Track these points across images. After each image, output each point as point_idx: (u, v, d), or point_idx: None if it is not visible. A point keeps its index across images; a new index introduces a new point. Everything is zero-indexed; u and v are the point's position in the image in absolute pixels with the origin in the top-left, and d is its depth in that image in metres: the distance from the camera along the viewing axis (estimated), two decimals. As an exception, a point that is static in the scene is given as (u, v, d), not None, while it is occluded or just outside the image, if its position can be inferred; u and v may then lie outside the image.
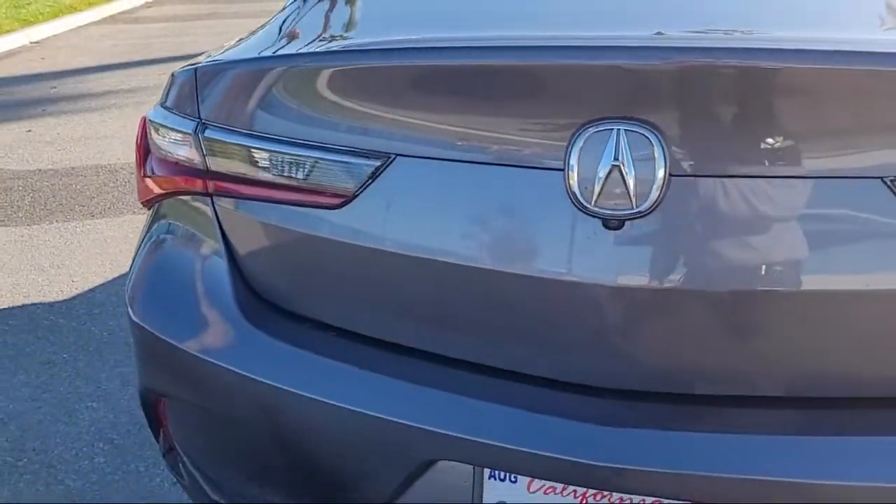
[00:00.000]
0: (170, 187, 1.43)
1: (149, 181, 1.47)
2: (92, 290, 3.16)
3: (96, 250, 3.51)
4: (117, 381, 2.56)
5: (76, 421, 2.39)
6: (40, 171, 4.56)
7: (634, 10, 1.31)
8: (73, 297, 3.13)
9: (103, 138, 5.10)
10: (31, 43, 8.60)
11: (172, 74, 1.45)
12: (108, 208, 3.96)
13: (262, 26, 1.53)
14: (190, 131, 1.35)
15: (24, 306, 3.08)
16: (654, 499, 1.12)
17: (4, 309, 3.07)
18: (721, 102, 1.05)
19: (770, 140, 1.04)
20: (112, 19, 10.28)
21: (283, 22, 1.47)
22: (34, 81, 6.77)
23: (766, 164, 1.04)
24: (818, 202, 1.03)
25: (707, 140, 1.05)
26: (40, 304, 3.09)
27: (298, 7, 1.52)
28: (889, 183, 1.01)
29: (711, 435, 1.09)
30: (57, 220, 3.87)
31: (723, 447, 1.08)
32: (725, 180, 1.05)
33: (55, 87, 6.47)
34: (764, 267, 1.05)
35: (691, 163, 1.05)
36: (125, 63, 7.22)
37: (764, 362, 1.09)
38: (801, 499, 1.04)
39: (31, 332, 2.88)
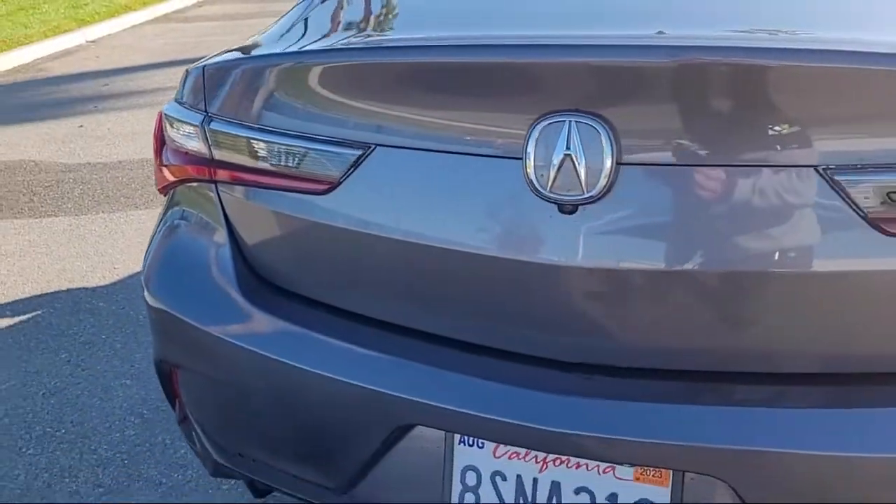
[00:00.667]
0: (181, 175, 1.56)
1: (164, 170, 1.61)
2: (131, 277, 3.34)
3: (137, 239, 3.69)
4: (150, 360, 2.72)
5: (111, 396, 2.56)
6: (90, 164, 4.78)
7: (592, 11, 1.39)
8: (114, 283, 3.31)
9: (150, 134, 5.29)
10: (87, 42, 8.93)
11: (186, 71, 1.58)
12: (151, 200, 4.15)
13: (268, 28, 1.65)
14: (197, 123, 1.48)
15: (69, 290, 3.28)
16: (607, 464, 1.22)
17: (51, 293, 3.26)
18: (664, 97, 1.13)
19: (711, 132, 1.12)
20: (165, 18, 10.59)
21: (285, 23, 1.59)
22: (88, 79, 7.04)
23: (707, 154, 1.12)
24: (755, 189, 1.11)
25: (652, 132, 1.14)
26: (84, 288, 3.28)
27: (300, 9, 1.63)
28: (822, 171, 1.08)
29: (657, 405, 1.18)
30: (103, 211, 4.07)
31: (667, 416, 1.16)
32: (670, 169, 1.13)
33: (107, 85, 6.73)
34: (702, 249, 1.13)
35: (638, 152, 1.13)
36: (175, 61, 7.45)
37: (704, 338, 1.17)
38: (739, 464, 1.12)
39: (74, 315, 3.07)
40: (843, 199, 1.07)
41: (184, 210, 1.60)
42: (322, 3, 1.62)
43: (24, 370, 2.72)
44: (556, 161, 1.14)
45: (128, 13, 10.20)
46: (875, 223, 1.07)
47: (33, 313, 3.11)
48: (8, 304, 3.20)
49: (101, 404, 2.52)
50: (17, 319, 3.07)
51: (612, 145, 1.12)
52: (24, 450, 2.34)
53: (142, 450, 2.31)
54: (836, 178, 1.07)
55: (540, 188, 1.16)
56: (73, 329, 2.97)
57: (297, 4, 1.68)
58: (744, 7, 1.35)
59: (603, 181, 1.13)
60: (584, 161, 1.13)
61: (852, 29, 1.24)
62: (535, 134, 1.15)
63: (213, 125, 1.45)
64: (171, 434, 2.36)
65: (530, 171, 1.16)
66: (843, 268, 1.10)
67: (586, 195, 1.14)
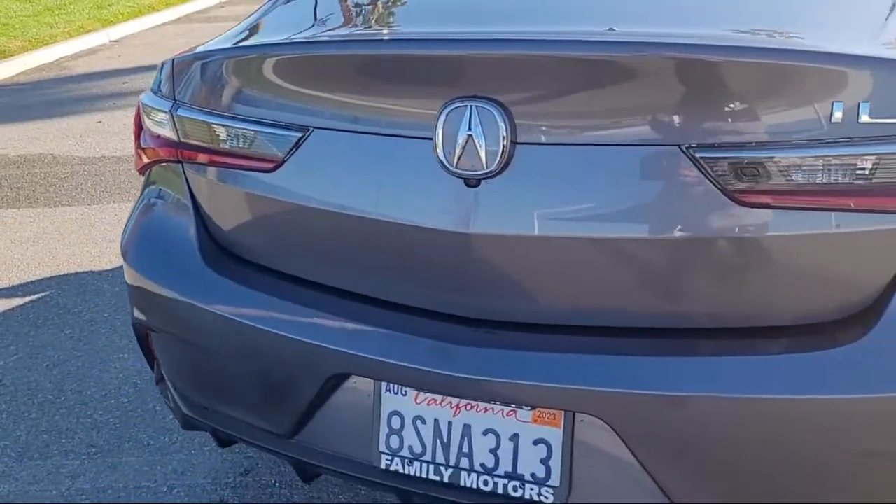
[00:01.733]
0: (155, 157, 1.75)
1: (141, 152, 1.80)
2: (135, 261, 3.54)
3: (144, 227, 3.90)
4: (147, 336, 2.92)
5: (108, 368, 2.76)
6: (104, 157, 5.01)
7: (502, 10, 1.56)
8: (120, 267, 3.49)
9: (163, 129, 5.53)
10: (110, 41, 9.21)
11: (161, 64, 1.77)
12: (159, 191, 4.36)
13: (234, 26, 1.83)
14: (167, 110, 1.66)
15: (77, 274, 3.49)
16: (509, 408, 1.38)
17: (60, 276, 3.48)
18: (553, 85, 1.30)
19: (591, 115, 1.28)
20: (187, 18, 10.86)
21: (246, 23, 1.78)
22: (109, 77, 7.30)
23: (590, 133, 1.29)
24: (629, 165, 1.27)
25: (543, 115, 1.30)
26: (91, 272, 3.50)
27: (260, 12, 1.82)
28: (685, 149, 1.24)
29: (549, 354, 1.34)
30: (114, 201, 4.29)
31: (556, 364, 1.33)
32: (558, 147, 1.30)
33: (126, 83, 6.98)
34: (586, 217, 1.29)
35: (530, 133, 1.30)
36: (192, 60, 7.69)
37: (587, 297, 1.33)
38: (614, 405, 1.28)
39: (80, 296, 3.28)
40: (703, 173, 1.23)
41: (157, 188, 1.79)
42: (277, 6, 1.81)
43: (31, 344, 2.93)
44: (460, 141, 1.31)
45: (151, 13, 10.48)
46: (730, 194, 1.23)
47: (42, 294, 3.32)
48: (20, 285, 3.42)
49: (99, 375, 2.72)
50: (27, 299, 3.29)
51: (507, 127, 1.29)
52: (26, 414, 2.55)
53: (133, 415, 2.51)
54: (697, 154, 1.23)
55: (448, 165, 1.33)
56: (79, 308, 3.18)
57: (261, 7, 1.87)
58: (628, 8, 1.50)
59: (499, 158, 1.30)
60: (483, 141, 1.30)
61: (717, 26, 1.40)
62: (443, 117, 1.32)
63: (180, 111, 1.64)
64: (161, 402, 2.54)
65: (439, 150, 1.33)
66: (704, 234, 1.26)
67: (486, 170, 1.31)
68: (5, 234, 3.95)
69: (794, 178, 1.22)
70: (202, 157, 1.62)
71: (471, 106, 1.30)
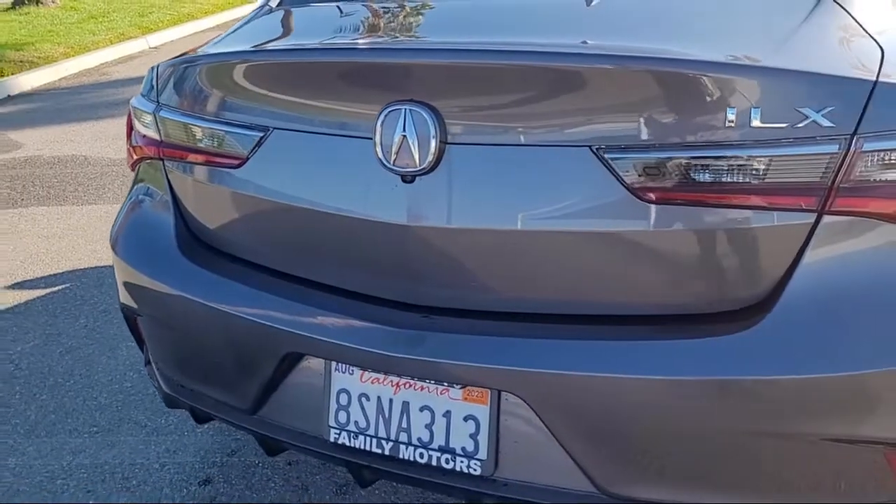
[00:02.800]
0: (142, 154, 1.91)
1: (131, 150, 1.96)
2: (151, 257, 3.73)
3: (162, 225, 4.10)
4: (155, 327, 3.10)
5: (116, 355, 2.94)
6: (132, 159, 5.24)
7: (439, 23, 1.69)
8: (136, 262, 3.70)
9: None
10: (149, 48, 9.54)
11: (150, 70, 1.93)
12: (180, 191, 4.56)
13: (214, 38, 1.99)
14: (151, 112, 1.82)
15: (96, 268, 3.70)
16: (442, 386, 1.50)
17: (81, 269, 3.69)
18: (479, 91, 1.42)
19: (512, 118, 1.40)
20: (225, 26, 11.15)
21: (224, 35, 1.93)
22: (144, 82, 7.58)
23: (511, 135, 1.40)
24: (546, 164, 1.38)
25: (470, 118, 1.43)
26: (109, 266, 3.69)
27: (242, 21, 1.97)
28: (594, 150, 1.35)
29: (475, 337, 1.46)
30: (137, 200, 4.50)
31: (481, 346, 1.45)
32: (484, 147, 1.42)
33: (160, 88, 7.24)
34: (508, 212, 1.41)
35: (459, 134, 1.42)
36: (224, 66, 7.94)
37: (508, 285, 1.45)
38: (528, 383, 1.39)
39: (97, 288, 3.48)
40: (611, 172, 1.34)
41: (144, 185, 1.95)
42: (253, 19, 1.97)
43: (47, 332, 3.13)
44: (396, 140, 1.44)
45: (190, 21, 10.81)
46: (635, 191, 1.34)
47: (63, 286, 3.53)
48: (43, 277, 3.63)
49: (106, 361, 2.90)
50: (47, 290, 3.49)
51: (437, 128, 1.42)
52: (38, 395, 2.73)
53: (134, 399, 2.67)
54: (605, 155, 1.34)
55: (386, 162, 1.46)
56: (95, 300, 3.37)
57: (242, 19, 2.03)
58: (554, 22, 1.62)
59: (431, 157, 1.42)
60: (416, 141, 1.43)
61: (629, 37, 1.50)
62: (382, 119, 1.45)
63: (162, 113, 1.79)
64: (161, 387, 2.71)
65: (378, 149, 1.46)
66: (611, 228, 1.37)
67: (419, 168, 1.43)
68: (34, 230, 4.18)
69: (693, 177, 1.32)
70: (180, 155, 1.77)
71: (405, 109, 1.43)
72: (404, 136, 1.43)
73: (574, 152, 1.37)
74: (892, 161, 1.30)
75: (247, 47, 1.71)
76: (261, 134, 1.61)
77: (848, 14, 1.51)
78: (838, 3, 1.53)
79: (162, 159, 1.82)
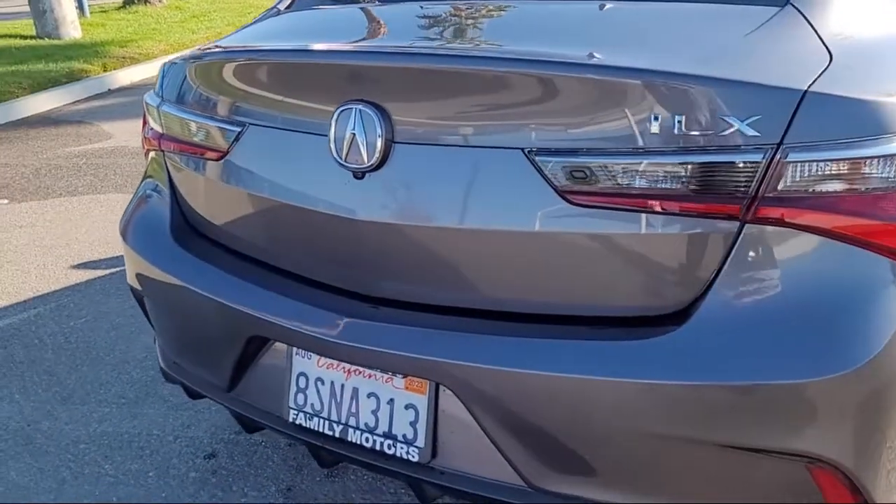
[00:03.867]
0: (149, 146, 2.05)
1: (144, 141, 2.11)
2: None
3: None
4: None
5: (137, 340, 3.12)
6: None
7: (401, 28, 1.75)
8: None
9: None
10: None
11: (161, 66, 2.07)
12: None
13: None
14: (156, 106, 1.96)
15: (154, 252, 3.92)
16: (387, 375, 1.57)
17: (112, 257, 3.91)
18: (423, 93, 1.48)
19: (454, 119, 1.46)
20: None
21: (225, 37, 2.05)
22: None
23: (453, 136, 1.46)
24: (483, 165, 1.43)
25: (415, 118, 1.49)
26: (166, 251, 3.91)
27: (244, 26, 2.09)
28: (526, 153, 1.39)
29: (416, 329, 1.52)
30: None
31: (420, 338, 1.51)
32: (428, 147, 1.48)
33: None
34: (446, 209, 1.47)
35: (405, 134, 1.49)
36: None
37: (445, 281, 1.50)
38: (454, 376, 1.44)
39: (151, 271, 3.70)
40: (540, 174, 1.38)
41: (150, 174, 2.10)
42: (255, 22, 2.08)
43: (98, 310, 3.36)
44: (347, 138, 1.51)
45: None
46: (562, 194, 1.37)
47: (120, 268, 3.76)
48: (104, 259, 3.88)
49: (146, 339, 3.09)
50: (107, 272, 3.74)
51: (383, 128, 1.48)
52: (79, 367, 2.94)
53: (156, 375, 2.85)
54: (535, 158, 1.38)
55: (339, 159, 1.53)
56: (127, 288, 3.58)
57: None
58: (497, 29, 1.66)
59: (377, 155, 1.49)
60: (364, 139, 1.50)
61: (564, 45, 1.52)
62: (336, 117, 1.53)
63: (163, 107, 1.93)
64: (189, 366, 2.87)
65: (332, 145, 1.54)
66: (540, 229, 1.40)
67: (367, 165, 1.51)
68: (107, 216, 4.46)
69: (618, 182, 1.34)
70: (176, 147, 1.90)
71: (355, 108, 1.51)
72: (354, 134, 1.50)
73: (508, 154, 1.41)
74: (819, 172, 1.29)
75: (231, 47, 1.82)
76: (239, 129, 1.72)
77: (807, 22, 1.49)
78: (799, 11, 1.51)
79: (163, 151, 1.96)
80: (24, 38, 9.79)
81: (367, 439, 1.61)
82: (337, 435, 1.64)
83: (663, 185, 1.33)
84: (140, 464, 2.41)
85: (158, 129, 1.97)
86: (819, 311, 1.30)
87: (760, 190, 1.30)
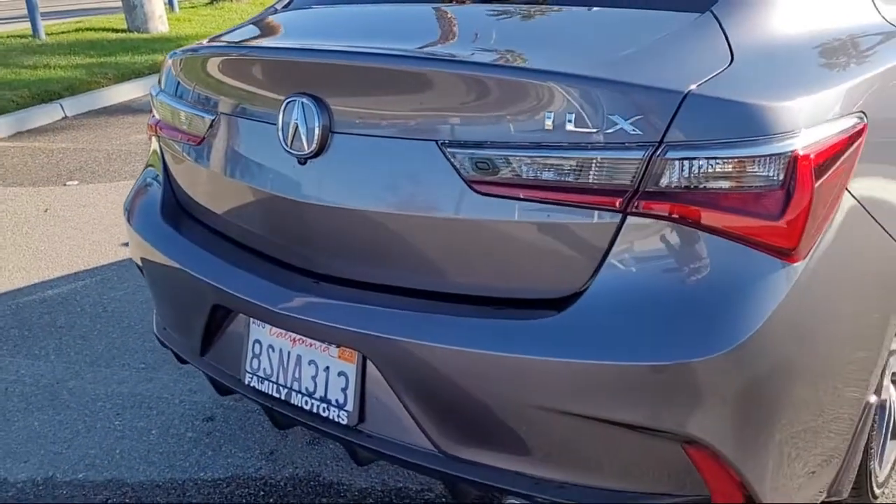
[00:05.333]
0: (151, 132, 2.26)
1: (148, 128, 2.32)
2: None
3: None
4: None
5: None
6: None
7: (352, 28, 1.89)
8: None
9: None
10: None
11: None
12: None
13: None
14: (154, 95, 2.17)
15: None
16: (324, 344, 1.72)
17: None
18: (359, 88, 1.62)
19: (382, 112, 1.60)
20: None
21: (225, 31, 2.24)
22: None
23: (381, 127, 1.60)
24: (406, 155, 1.57)
25: (350, 110, 1.64)
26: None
27: (240, 24, 2.28)
28: (440, 147, 1.52)
29: (347, 303, 1.67)
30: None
31: (349, 311, 1.65)
32: (360, 137, 1.63)
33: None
34: (376, 195, 1.61)
35: (342, 124, 1.64)
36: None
37: (369, 259, 1.65)
38: (371, 345, 1.59)
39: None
40: (451, 164, 1.51)
41: (150, 158, 2.31)
42: (249, 21, 2.27)
43: (136, 284, 3.63)
44: (291, 127, 1.67)
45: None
46: (469, 183, 1.50)
47: (164, 246, 4.04)
48: (152, 238, 4.17)
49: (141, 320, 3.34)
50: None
51: (321, 118, 1.64)
52: (110, 333, 3.21)
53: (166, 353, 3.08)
54: (447, 150, 1.51)
55: (285, 146, 1.70)
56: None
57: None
58: (424, 32, 1.78)
59: (316, 143, 1.65)
60: (305, 128, 1.65)
61: (478, 46, 1.64)
62: (283, 108, 1.69)
63: (159, 97, 2.13)
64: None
65: (280, 134, 1.70)
66: (448, 215, 1.53)
67: (308, 152, 1.66)
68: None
69: (517, 173, 1.46)
70: (167, 133, 2.10)
71: (299, 101, 1.66)
72: (297, 123, 1.66)
73: (425, 146, 1.54)
74: (699, 170, 1.38)
75: (207, 44, 2.01)
76: (213, 117, 1.90)
77: (720, 27, 1.56)
78: (716, 17, 1.58)
79: (159, 137, 2.16)
80: (116, 31, 10.38)
81: (306, 402, 1.76)
82: (283, 398, 1.80)
83: (555, 178, 1.43)
84: (146, 422, 2.64)
85: (157, 116, 2.17)
86: (689, 300, 1.39)
87: (641, 185, 1.39)
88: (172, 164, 2.13)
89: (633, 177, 1.39)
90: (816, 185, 1.40)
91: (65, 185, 5.12)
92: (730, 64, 1.47)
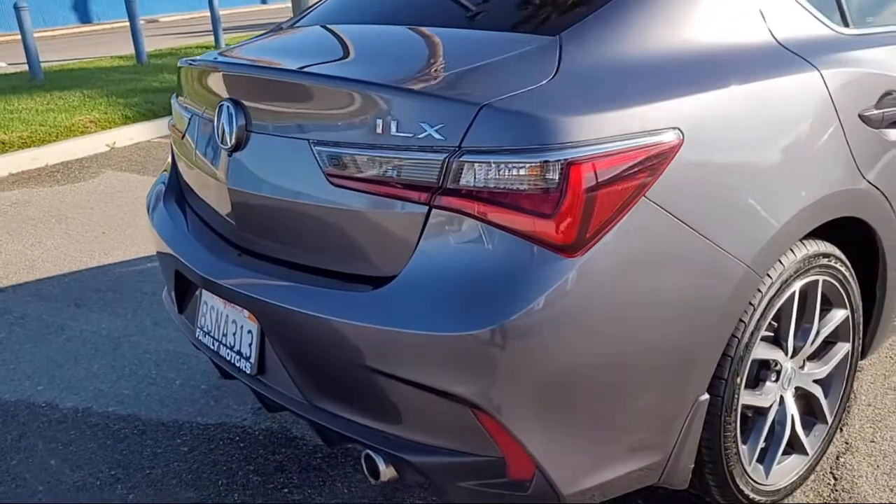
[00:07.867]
0: (170, 130, 2.73)
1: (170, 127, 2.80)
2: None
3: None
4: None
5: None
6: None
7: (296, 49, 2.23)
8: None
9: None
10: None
11: (185, 68, 2.74)
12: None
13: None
14: (173, 98, 2.63)
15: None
16: (240, 307, 2.08)
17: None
18: (271, 96, 1.97)
19: (280, 115, 1.94)
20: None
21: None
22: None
23: (279, 128, 1.93)
24: (296, 152, 1.89)
25: (262, 113, 1.98)
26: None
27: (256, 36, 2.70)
28: (310, 145, 1.83)
29: (250, 272, 2.02)
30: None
31: (252, 279, 2.00)
32: (266, 136, 1.97)
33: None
34: (271, 184, 1.95)
35: (255, 124, 1.99)
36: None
37: (268, 235, 1.98)
38: (260, 309, 1.92)
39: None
40: (316, 160, 1.82)
41: (168, 158, 2.78)
42: (255, 38, 2.68)
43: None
44: (219, 126, 2.05)
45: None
46: (328, 177, 1.80)
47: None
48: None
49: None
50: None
51: (238, 119, 1.99)
52: (132, 315, 3.75)
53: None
54: (315, 148, 1.82)
55: (219, 141, 2.08)
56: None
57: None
58: (332, 53, 2.08)
59: (234, 139, 2.01)
60: (227, 127, 2.02)
61: (341, 63, 1.92)
62: (217, 110, 2.07)
63: (174, 101, 2.59)
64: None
65: (216, 131, 2.08)
66: (317, 203, 1.83)
67: (230, 146, 2.03)
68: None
69: (357, 169, 1.75)
70: (175, 131, 2.55)
71: (227, 105, 2.03)
72: (222, 123, 2.04)
73: (304, 144, 1.86)
74: (486, 172, 1.60)
75: (196, 57, 2.43)
76: (189, 116, 2.32)
77: (559, 50, 1.76)
78: (559, 42, 1.78)
79: (172, 136, 2.62)
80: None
81: (228, 354, 2.13)
82: (217, 350, 2.18)
83: (382, 174, 1.71)
84: (175, 374, 3.12)
85: (172, 118, 2.64)
86: (469, 282, 1.61)
87: (442, 183, 1.63)
88: (176, 156, 2.58)
89: (437, 176, 1.64)
90: (599, 191, 1.58)
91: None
92: (548, 81, 1.67)
